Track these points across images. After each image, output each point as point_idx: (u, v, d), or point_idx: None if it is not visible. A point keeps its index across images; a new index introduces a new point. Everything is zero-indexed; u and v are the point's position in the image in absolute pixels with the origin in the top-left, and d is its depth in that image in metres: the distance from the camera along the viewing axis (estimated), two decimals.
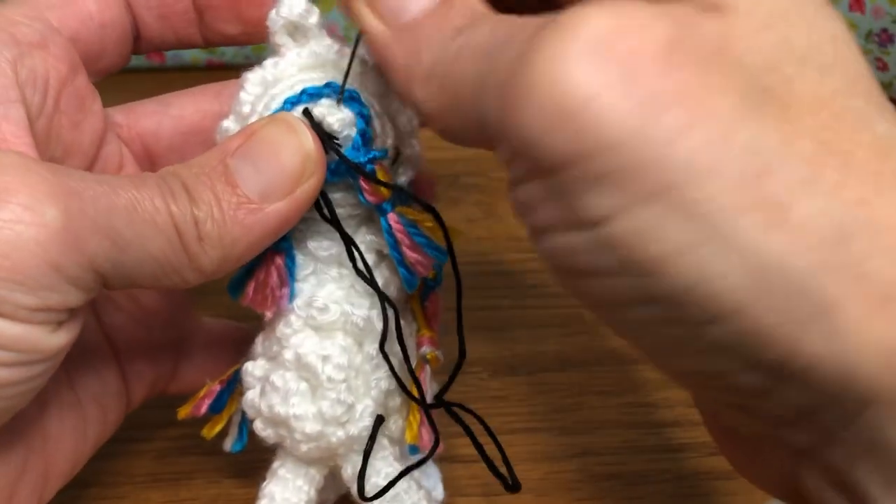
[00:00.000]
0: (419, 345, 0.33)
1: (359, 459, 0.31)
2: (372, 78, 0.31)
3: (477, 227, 0.49)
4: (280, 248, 0.31)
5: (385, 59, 0.27)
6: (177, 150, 0.35)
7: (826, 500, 0.24)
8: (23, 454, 0.30)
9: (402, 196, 0.31)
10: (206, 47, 0.36)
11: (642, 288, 0.22)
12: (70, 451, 0.32)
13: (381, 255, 0.32)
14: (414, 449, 0.32)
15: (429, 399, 0.32)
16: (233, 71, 0.32)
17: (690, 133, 0.21)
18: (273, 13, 0.31)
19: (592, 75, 0.22)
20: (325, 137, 0.30)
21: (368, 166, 0.30)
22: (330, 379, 0.31)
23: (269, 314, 0.31)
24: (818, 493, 0.25)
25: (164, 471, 0.38)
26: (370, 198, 0.30)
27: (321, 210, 0.30)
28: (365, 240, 0.31)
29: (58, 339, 0.27)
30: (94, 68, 0.34)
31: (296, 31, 0.31)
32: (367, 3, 0.27)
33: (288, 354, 0.31)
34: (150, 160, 0.36)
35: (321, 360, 0.31)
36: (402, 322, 0.31)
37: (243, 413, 0.33)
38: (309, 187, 0.29)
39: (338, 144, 0.30)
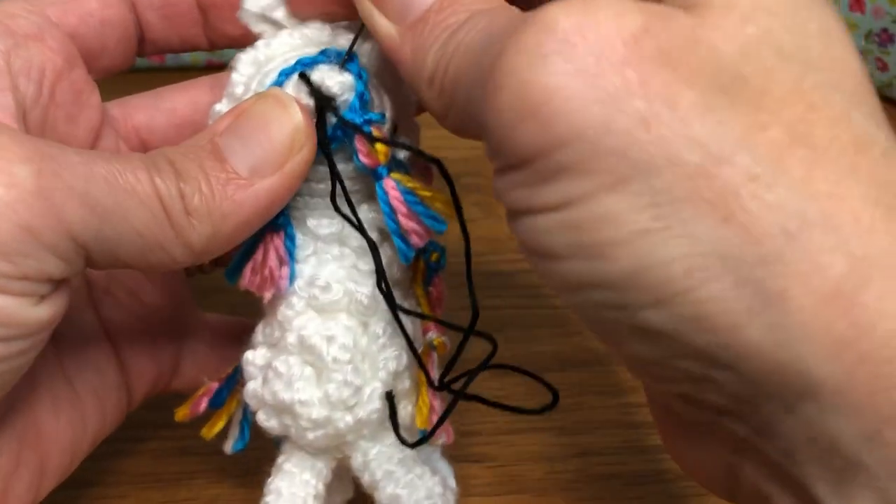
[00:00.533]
0: (425, 331, 0.32)
1: (368, 446, 0.31)
2: (370, 53, 0.31)
3: (477, 227, 0.49)
4: (278, 227, 0.30)
5: (395, 59, 0.27)
6: (171, 143, 0.35)
7: (766, 494, 0.25)
8: (15, 448, 0.30)
9: (400, 164, 0.30)
10: (210, 50, 0.36)
11: (591, 272, 0.23)
12: (67, 445, 0.32)
13: (383, 234, 0.31)
14: (423, 435, 0.31)
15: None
16: None
17: (649, 125, 0.22)
18: (239, 11, 0.31)
19: (556, 70, 0.22)
20: (324, 100, 0.29)
21: (365, 128, 0.29)
22: (335, 360, 0.30)
23: (267, 296, 0.30)
24: (756, 486, 0.25)
25: (164, 471, 0.38)
26: (365, 159, 0.29)
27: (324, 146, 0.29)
28: (367, 217, 0.30)
29: (39, 312, 0.26)
30: (95, 66, 0.34)
31: (269, 22, 0.31)
32: (376, 2, 0.28)
33: (291, 338, 0.30)
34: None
35: (326, 341, 0.30)
36: (405, 306, 0.30)
37: (244, 411, 0.32)
38: (300, 160, 0.29)
39: (335, 107, 0.29)
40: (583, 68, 0.22)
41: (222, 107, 0.31)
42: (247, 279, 0.30)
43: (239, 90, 0.31)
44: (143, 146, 0.36)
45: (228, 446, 0.33)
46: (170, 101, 0.36)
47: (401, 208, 0.29)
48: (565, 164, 0.22)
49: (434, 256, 0.33)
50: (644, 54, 0.22)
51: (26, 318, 0.26)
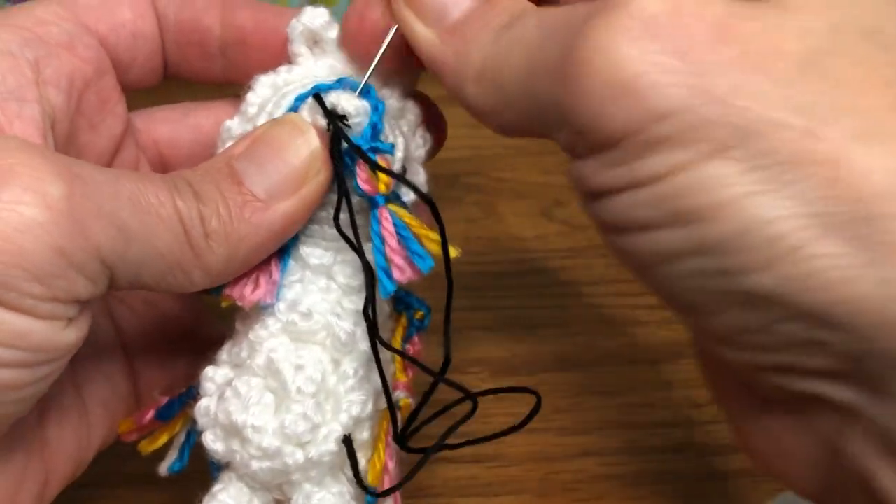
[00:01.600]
0: (394, 388, 0.31)
1: (312, 490, 0.29)
2: (388, 99, 0.31)
3: (477, 228, 0.49)
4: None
5: (434, 62, 0.28)
6: (194, 160, 0.33)
7: (871, 472, 0.24)
8: (22, 462, 0.30)
9: (403, 205, 0.30)
10: (223, 83, 0.35)
11: (694, 237, 0.23)
12: (72, 454, 0.32)
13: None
14: (373, 494, 0.30)
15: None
16: None
17: (748, 93, 0.23)
18: (294, 20, 0.31)
19: (648, 48, 0.23)
20: (335, 118, 0.29)
21: (371, 155, 0.29)
22: (299, 391, 0.29)
23: (251, 299, 0.29)
24: (860, 465, 0.24)
25: None
26: (365, 185, 0.29)
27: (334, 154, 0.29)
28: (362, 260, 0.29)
29: (68, 336, 0.26)
30: (123, 78, 0.33)
31: (314, 43, 0.31)
32: (412, 8, 0.28)
33: (259, 359, 0.29)
34: (164, 169, 0.35)
35: (294, 369, 0.29)
36: (381, 357, 0.29)
37: (188, 433, 0.31)
38: (316, 185, 0.29)
39: (347, 125, 0.29)
40: (674, 46, 0.23)
41: (233, 124, 0.31)
42: (233, 285, 0.29)
43: (252, 110, 0.31)
44: (162, 159, 0.35)
45: (164, 468, 0.32)
46: (195, 118, 0.35)
47: (390, 240, 0.29)
48: (664, 137, 0.23)
49: (418, 314, 0.32)
50: (730, 37, 0.23)
51: (56, 343, 0.26)
